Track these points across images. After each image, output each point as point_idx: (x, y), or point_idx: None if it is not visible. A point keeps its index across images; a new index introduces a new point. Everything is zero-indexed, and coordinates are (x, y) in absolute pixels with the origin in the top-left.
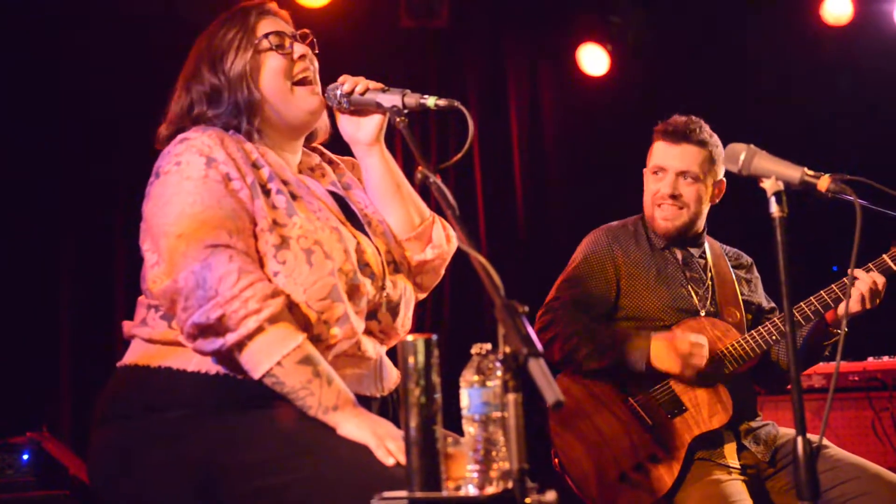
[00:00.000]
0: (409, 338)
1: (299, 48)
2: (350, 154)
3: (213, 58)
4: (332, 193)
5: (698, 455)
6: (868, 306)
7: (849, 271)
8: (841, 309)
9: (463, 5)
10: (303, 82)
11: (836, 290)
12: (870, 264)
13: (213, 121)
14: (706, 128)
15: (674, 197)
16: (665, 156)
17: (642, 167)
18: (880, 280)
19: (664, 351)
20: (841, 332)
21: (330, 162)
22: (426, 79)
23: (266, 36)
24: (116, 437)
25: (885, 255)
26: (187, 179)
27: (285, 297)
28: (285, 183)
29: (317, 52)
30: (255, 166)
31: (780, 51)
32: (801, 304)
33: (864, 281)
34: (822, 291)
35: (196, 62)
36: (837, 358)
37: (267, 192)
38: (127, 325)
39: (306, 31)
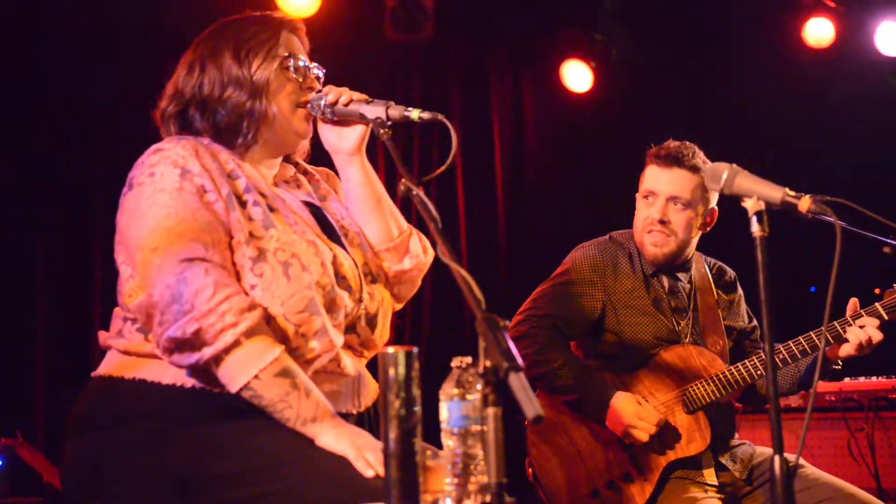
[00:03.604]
0: (390, 349)
1: (311, 81)
2: (330, 163)
3: (238, 47)
4: (308, 205)
5: (675, 474)
6: (864, 353)
7: (826, 313)
8: (843, 351)
9: (447, 19)
10: (302, 105)
11: (827, 335)
12: (863, 310)
13: (217, 115)
14: (700, 154)
15: (662, 223)
16: (656, 180)
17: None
18: (875, 334)
19: (616, 415)
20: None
21: (305, 172)
22: (410, 92)
23: (290, 57)
24: (89, 448)
25: (877, 304)
26: (161, 191)
27: (262, 310)
28: (262, 195)
29: (320, 87)
30: (231, 177)
31: (762, 71)
32: (790, 343)
33: (855, 334)
34: (811, 332)
35: (217, 42)
36: (815, 378)
37: (243, 204)
38: (103, 336)
39: (321, 68)
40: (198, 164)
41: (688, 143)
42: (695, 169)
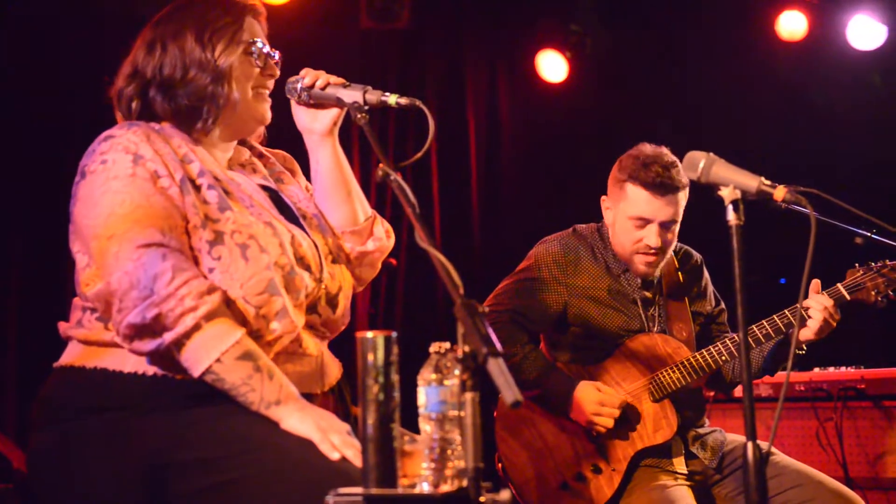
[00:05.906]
0: (369, 334)
1: (272, 67)
2: (301, 144)
3: (202, 29)
4: (265, 188)
5: (644, 462)
6: (824, 335)
7: (799, 304)
8: (802, 335)
9: (424, 8)
10: (263, 91)
11: (789, 316)
12: (824, 292)
13: (178, 98)
14: (678, 162)
15: (657, 247)
16: (651, 208)
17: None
18: (832, 309)
19: (579, 407)
20: (789, 351)
21: (260, 156)
22: (385, 80)
23: (254, 43)
24: (54, 440)
25: (839, 284)
26: (115, 178)
27: (222, 293)
28: (217, 179)
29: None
30: (184, 161)
31: (735, 63)
32: (753, 326)
33: (818, 312)
34: (774, 316)
35: (179, 22)
36: (788, 367)
37: (197, 188)
38: (63, 326)
39: (278, 52)
40: (150, 150)
41: (666, 153)
42: (684, 187)
